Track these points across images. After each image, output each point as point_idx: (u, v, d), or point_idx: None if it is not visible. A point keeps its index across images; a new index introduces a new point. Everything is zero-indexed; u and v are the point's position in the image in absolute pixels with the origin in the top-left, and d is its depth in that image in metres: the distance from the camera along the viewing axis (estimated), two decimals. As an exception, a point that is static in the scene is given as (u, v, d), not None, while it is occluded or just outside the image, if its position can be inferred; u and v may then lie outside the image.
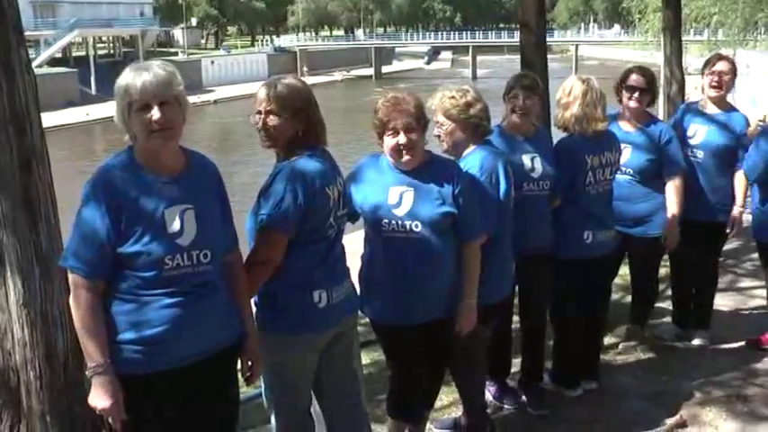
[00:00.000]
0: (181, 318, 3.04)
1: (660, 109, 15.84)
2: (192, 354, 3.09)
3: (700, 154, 5.77)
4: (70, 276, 2.99)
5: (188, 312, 3.05)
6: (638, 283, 6.05)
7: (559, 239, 4.95)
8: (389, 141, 3.79)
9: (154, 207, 2.98)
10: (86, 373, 3.00)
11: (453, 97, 4.24)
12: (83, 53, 73.42)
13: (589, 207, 5.02)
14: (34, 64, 3.62)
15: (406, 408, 4.22)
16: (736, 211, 5.76)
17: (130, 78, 2.93)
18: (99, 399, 2.97)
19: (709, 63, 5.85)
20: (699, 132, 5.79)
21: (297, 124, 3.44)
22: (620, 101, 5.57)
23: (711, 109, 5.84)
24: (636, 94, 5.45)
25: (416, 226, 3.80)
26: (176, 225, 3.00)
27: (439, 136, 4.31)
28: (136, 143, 3.01)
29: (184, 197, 3.04)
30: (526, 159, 4.75)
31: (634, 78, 5.48)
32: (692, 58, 33.87)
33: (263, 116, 3.44)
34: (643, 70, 5.58)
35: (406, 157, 3.79)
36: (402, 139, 3.75)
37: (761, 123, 5.87)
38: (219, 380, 3.27)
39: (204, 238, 3.08)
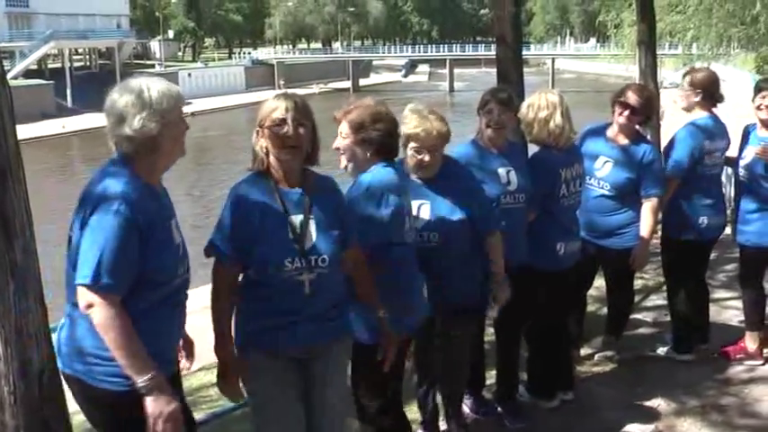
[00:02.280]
0: (178, 325, 3.18)
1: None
2: (175, 356, 3.23)
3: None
4: (100, 296, 2.87)
5: (181, 319, 3.20)
6: (612, 294, 6.09)
7: (532, 252, 4.97)
8: None
9: (165, 221, 3.08)
10: (141, 389, 2.89)
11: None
12: (59, 65, 73.01)
13: (561, 219, 5.08)
14: (9, 76, 3.58)
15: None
16: None
17: (177, 89, 3.07)
18: (165, 404, 2.92)
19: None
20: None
21: (312, 137, 3.41)
22: (613, 113, 5.57)
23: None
24: (627, 112, 5.45)
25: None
26: (177, 236, 3.11)
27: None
28: (146, 155, 3.01)
29: (172, 208, 3.19)
30: (502, 172, 4.78)
31: (628, 96, 5.47)
32: (668, 72, 34.17)
33: (291, 124, 3.29)
34: (641, 90, 5.61)
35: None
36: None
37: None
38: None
39: (185, 247, 3.18)
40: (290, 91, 3.69)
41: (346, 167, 3.86)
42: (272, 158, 3.36)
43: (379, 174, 3.77)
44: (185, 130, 3.09)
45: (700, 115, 5.74)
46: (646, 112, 5.53)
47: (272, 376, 3.44)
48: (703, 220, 5.74)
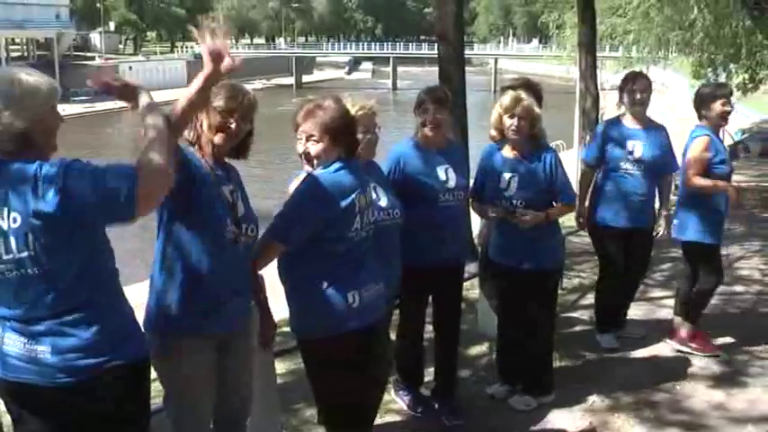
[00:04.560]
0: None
1: (576, 122, 16.17)
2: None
3: (638, 168, 5.98)
4: None
5: None
6: None
7: (545, 250, 5.12)
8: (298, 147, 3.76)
9: None
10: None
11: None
12: (-6, 55, 71.38)
13: None
14: (-58, 65, 3.48)
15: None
16: (664, 216, 6.02)
17: (50, 82, 2.91)
18: None
19: (627, 80, 6.05)
20: (636, 149, 5.99)
21: (248, 133, 3.50)
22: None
23: (635, 124, 6.03)
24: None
25: None
26: None
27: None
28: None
29: None
30: (440, 171, 4.81)
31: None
32: (608, 74, 34.60)
33: (237, 120, 3.40)
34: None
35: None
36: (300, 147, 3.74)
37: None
38: None
39: None
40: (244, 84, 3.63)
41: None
42: (204, 134, 3.39)
43: (332, 176, 3.64)
44: (58, 125, 2.87)
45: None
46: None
47: (202, 360, 3.41)
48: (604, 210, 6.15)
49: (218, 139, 3.38)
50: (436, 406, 5.20)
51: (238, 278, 3.44)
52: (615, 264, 6.29)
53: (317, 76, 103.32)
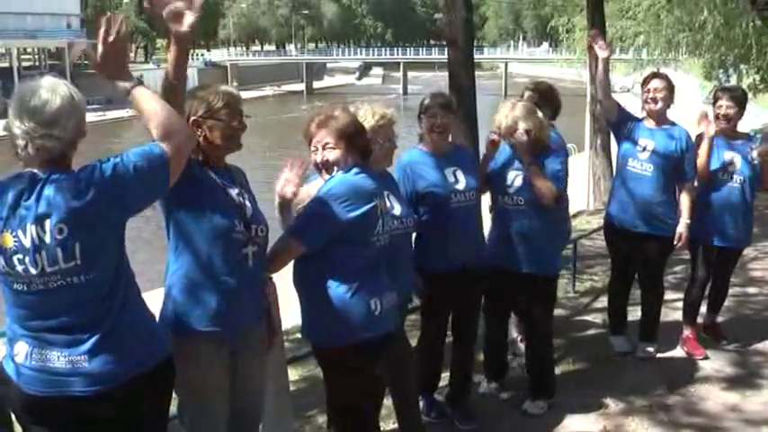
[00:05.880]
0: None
1: (587, 126, 16.16)
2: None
3: (649, 167, 5.86)
4: None
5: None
6: None
7: (555, 256, 5.23)
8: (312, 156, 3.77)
9: None
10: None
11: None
12: (6, 65, 71.69)
13: None
14: (-46, 76, 3.52)
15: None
16: (682, 224, 5.86)
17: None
18: None
19: (643, 80, 6.06)
20: (648, 146, 5.89)
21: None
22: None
23: (650, 124, 5.97)
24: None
25: None
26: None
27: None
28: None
29: None
30: (448, 174, 4.82)
31: None
32: (619, 77, 34.51)
33: (238, 117, 3.41)
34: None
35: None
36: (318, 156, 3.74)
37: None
38: None
39: None
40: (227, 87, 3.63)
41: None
42: (203, 145, 3.36)
43: (353, 179, 3.68)
44: None
45: None
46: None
47: (212, 365, 3.40)
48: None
49: (229, 143, 3.39)
50: (449, 411, 5.18)
51: (250, 280, 3.43)
52: (619, 265, 6.32)
53: (327, 82, 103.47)
